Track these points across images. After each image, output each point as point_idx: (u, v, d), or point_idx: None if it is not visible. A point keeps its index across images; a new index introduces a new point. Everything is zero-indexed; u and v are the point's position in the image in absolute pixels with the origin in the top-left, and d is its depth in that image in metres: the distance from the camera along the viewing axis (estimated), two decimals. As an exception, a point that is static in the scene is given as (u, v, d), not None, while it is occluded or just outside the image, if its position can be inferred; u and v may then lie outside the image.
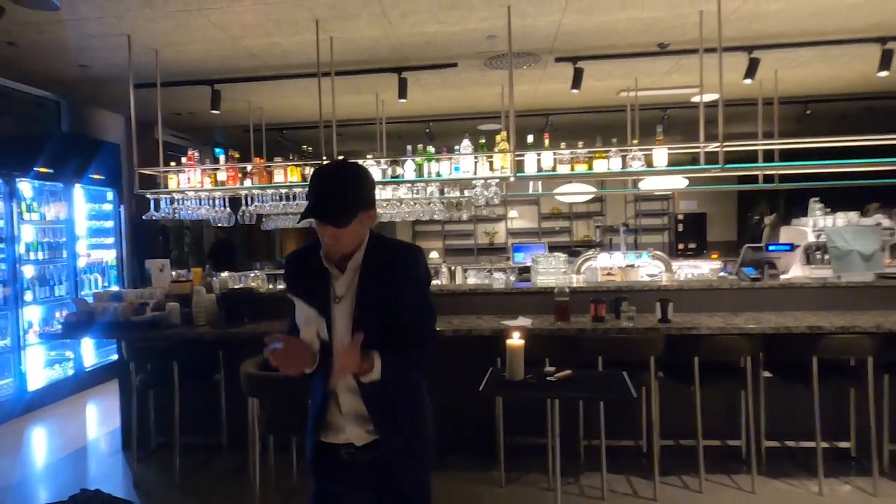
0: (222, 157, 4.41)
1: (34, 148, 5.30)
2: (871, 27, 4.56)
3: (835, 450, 3.62)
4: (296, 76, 5.32)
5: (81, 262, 5.86)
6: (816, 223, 5.53)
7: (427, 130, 7.51)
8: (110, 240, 6.29)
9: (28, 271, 5.25)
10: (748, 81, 4.92)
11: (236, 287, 4.01)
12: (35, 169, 5.22)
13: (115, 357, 6.20)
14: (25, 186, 5.24)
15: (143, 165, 4.64)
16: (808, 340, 3.18)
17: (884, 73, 4.79)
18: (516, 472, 3.51)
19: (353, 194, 1.55)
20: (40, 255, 5.36)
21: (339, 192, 1.53)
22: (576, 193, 7.68)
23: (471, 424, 3.74)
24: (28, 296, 5.18)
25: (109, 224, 6.29)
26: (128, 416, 3.93)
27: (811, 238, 5.41)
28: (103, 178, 6.10)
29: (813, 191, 6.03)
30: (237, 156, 4.50)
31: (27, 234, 5.25)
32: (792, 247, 4.07)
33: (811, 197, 6.03)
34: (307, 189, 1.60)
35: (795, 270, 4.49)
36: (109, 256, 6.28)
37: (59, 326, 4.46)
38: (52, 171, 5.39)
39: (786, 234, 5.43)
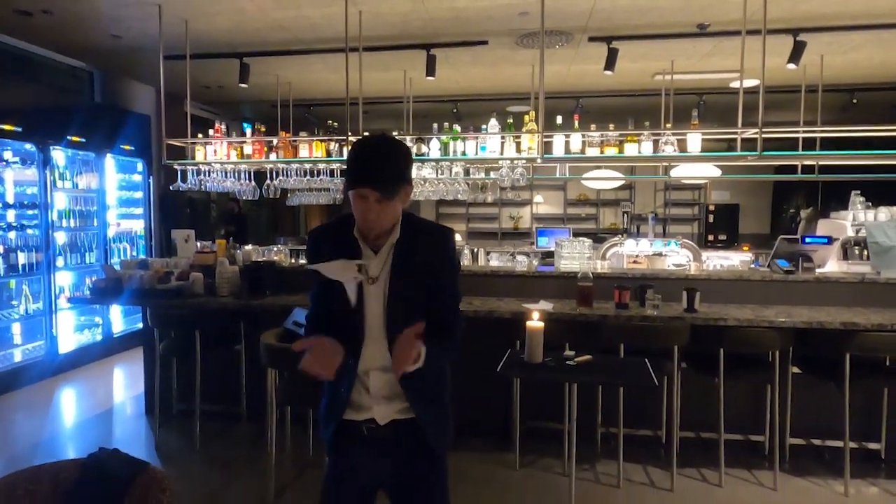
0: (248, 131, 4.41)
1: (67, 117, 5.40)
2: (928, 10, 4.30)
3: (863, 451, 3.50)
4: (324, 51, 5.29)
5: (111, 231, 5.98)
6: (856, 217, 5.31)
7: (454, 110, 7.42)
8: (139, 210, 6.40)
9: (60, 238, 5.38)
10: (792, 66, 4.69)
11: (259, 260, 4.04)
12: (68, 138, 5.31)
13: (141, 324, 6.36)
14: (59, 155, 5.34)
15: (172, 137, 4.68)
16: (841, 337, 3.05)
17: (940, 60, 4.53)
18: (531, 456, 3.48)
19: (401, 164, 1.50)
20: (72, 223, 5.49)
21: (389, 159, 1.48)
22: (604, 179, 7.52)
23: (488, 406, 3.72)
24: (60, 262, 5.32)
25: (139, 195, 6.40)
26: (151, 381, 4.01)
27: (850, 232, 5.20)
28: (133, 148, 6.19)
29: (854, 183, 5.78)
30: (263, 129, 4.50)
31: (60, 201, 5.37)
32: (829, 240, 3.90)
33: (852, 190, 5.78)
34: (347, 161, 1.51)
35: (832, 265, 4.32)
36: (138, 226, 6.39)
37: (88, 292, 4.56)
38: (84, 140, 5.48)
39: (823, 228, 5.23)
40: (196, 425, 3.64)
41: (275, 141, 4.35)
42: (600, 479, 3.28)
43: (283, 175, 4.56)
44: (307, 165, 4.43)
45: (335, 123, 5.62)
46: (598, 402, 3.61)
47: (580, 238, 4.12)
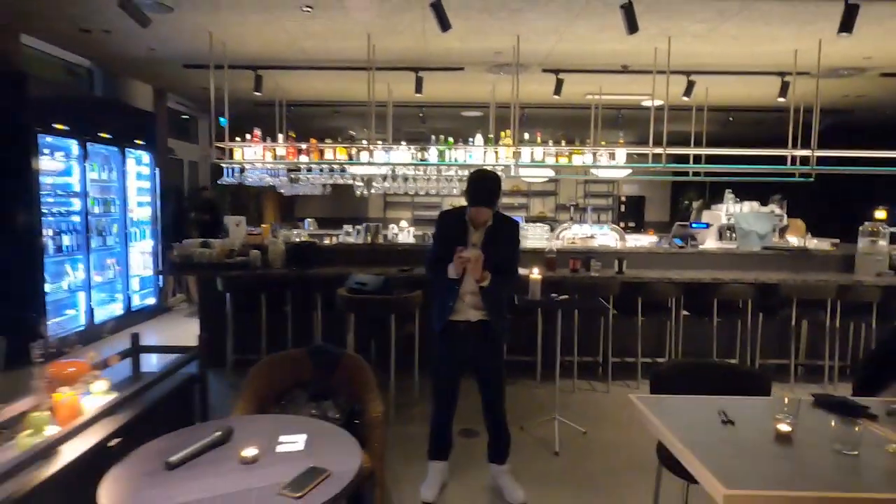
0: (281, 137, 5.45)
1: (97, 115, 6.07)
2: (774, 65, 6.15)
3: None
4: (333, 68, 6.35)
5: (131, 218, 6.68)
6: (728, 209, 7.17)
7: (420, 115, 8.66)
8: (147, 198, 7.11)
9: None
10: (686, 98, 6.42)
11: (300, 240, 5.13)
12: (98, 134, 6.01)
13: (151, 301, 7.14)
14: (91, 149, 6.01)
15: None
16: (712, 288, 4.74)
17: (782, 99, 6.42)
18: (511, 379, 4.91)
19: (498, 190, 2.87)
20: (97, 210, 6.19)
21: (492, 189, 2.84)
22: (539, 176, 9.10)
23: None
24: (92, 244, 6.03)
25: (147, 185, 7.10)
26: (211, 337, 4.98)
27: (724, 220, 7.06)
28: (143, 143, 6.89)
29: (728, 183, 7.70)
30: (293, 135, 5.54)
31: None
32: (708, 225, 5.62)
33: (727, 188, 7.69)
34: (470, 185, 2.84)
35: (710, 243, 6.07)
36: (145, 213, 7.11)
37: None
38: (111, 136, 6.19)
39: (706, 216, 7.05)
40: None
41: (304, 146, 5.43)
42: (561, 388, 4.78)
43: (313, 173, 5.65)
44: (334, 166, 5.56)
45: (353, 133, 6.70)
46: (557, 338, 5.10)
47: (539, 223, 5.59)
